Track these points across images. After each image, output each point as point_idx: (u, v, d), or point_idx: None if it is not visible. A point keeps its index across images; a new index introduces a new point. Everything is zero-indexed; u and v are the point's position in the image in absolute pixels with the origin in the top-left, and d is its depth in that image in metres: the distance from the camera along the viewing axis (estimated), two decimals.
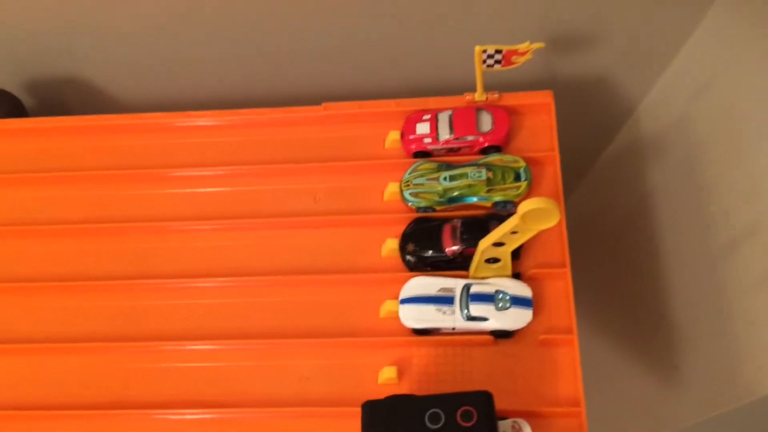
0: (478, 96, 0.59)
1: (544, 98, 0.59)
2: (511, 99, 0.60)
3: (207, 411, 0.52)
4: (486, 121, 0.58)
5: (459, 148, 0.59)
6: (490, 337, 0.52)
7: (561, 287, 0.53)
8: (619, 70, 0.72)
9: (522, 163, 0.56)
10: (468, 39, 0.58)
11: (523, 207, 0.43)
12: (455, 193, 0.56)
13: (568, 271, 0.53)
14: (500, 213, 0.56)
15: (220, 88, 0.75)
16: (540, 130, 0.59)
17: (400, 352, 0.53)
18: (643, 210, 0.77)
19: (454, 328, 0.52)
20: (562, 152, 0.65)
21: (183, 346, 0.54)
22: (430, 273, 0.54)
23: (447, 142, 0.58)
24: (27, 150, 0.64)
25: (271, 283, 0.56)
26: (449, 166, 0.58)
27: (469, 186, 0.56)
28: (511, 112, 0.60)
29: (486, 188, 0.55)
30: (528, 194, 0.56)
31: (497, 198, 0.55)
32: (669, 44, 0.68)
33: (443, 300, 0.52)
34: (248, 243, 0.58)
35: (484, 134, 0.58)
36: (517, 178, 0.56)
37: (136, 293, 0.57)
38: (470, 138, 0.58)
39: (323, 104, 0.62)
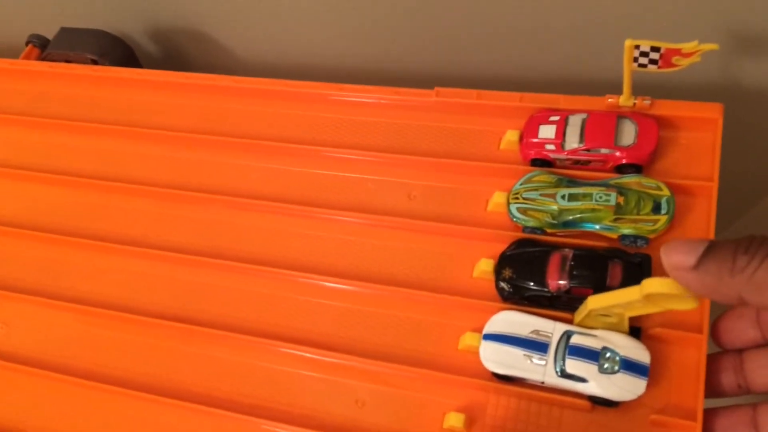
0: (624, 100, 0.48)
1: (711, 112, 0.46)
2: (667, 108, 0.48)
3: (250, 416, 0.47)
4: (628, 133, 0.47)
5: (588, 162, 0.48)
6: (587, 403, 0.42)
7: (692, 357, 0.41)
8: None
9: (666, 192, 0.45)
10: (626, 29, 0.47)
11: (648, 286, 0.34)
12: (573, 216, 0.45)
13: (704, 338, 0.41)
14: (626, 249, 0.45)
15: (333, 57, 0.68)
16: (698, 153, 0.47)
17: (474, 397, 0.44)
18: None
19: (543, 383, 0.42)
20: (725, 176, 0.52)
21: (235, 336, 0.49)
22: (526, 308, 0.45)
23: (574, 152, 0.48)
24: (130, 101, 0.62)
25: (339, 287, 0.49)
26: (571, 182, 0.47)
27: (593, 210, 0.45)
28: (664, 124, 0.48)
29: (613, 216, 0.45)
30: (667, 231, 0.45)
31: (626, 230, 0.44)
32: None
33: (535, 345, 0.43)
34: (325, 235, 0.52)
35: (622, 148, 0.47)
36: (657, 209, 0.44)
37: (205, 269, 0.53)
38: (604, 151, 0.47)
39: (435, 89, 0.53)
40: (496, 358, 0.43)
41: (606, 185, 0.46)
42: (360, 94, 0.56)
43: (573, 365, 0.41)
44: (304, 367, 0.48)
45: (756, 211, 0.73)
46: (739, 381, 0.40)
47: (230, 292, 0.52)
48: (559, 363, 0.42)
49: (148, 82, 0.62)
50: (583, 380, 0.41)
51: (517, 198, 0.47)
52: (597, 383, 0.41)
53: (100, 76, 0.63)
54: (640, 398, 0.40)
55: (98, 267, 0.55)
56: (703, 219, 0.45)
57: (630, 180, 0.46)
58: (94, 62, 0.64)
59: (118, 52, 0.66)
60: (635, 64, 0.44)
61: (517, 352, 0.43)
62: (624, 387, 0.40)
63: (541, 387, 0.43)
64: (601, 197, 0.45)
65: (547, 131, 0.49)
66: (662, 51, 0.42)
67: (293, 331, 0.49)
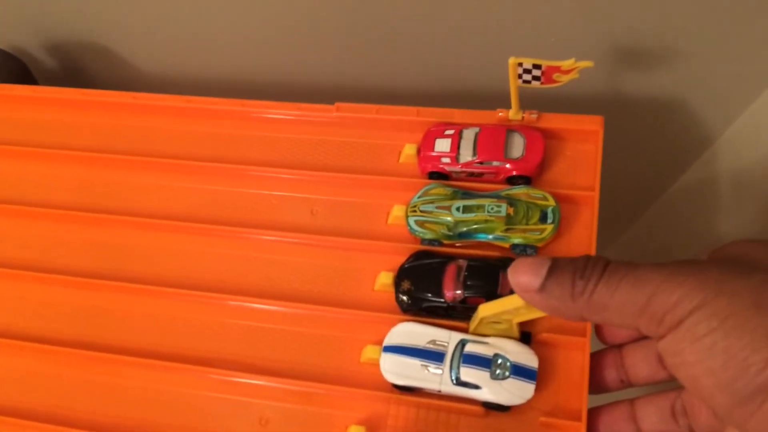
0: (513, 114, 0.50)
1: (592, 124, 0.49)
2: (553, 121, 0.50)
3: None
4: (517, 146, 0.49)
5: (482, 174, 0.50)
6: (481, 409, 0.43)
7: (577, 360, 0.44)
8: (698, 93, 0.61)
9: (551, 202, 0.47)
10: (517, 45, 0.49)
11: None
12: (467, 228, 0.47)
13: (587, 342, 0.43)
14: (517, 257, 0.47)
15: (239, 72, 0.68)
16: (582, 163, 0.49)
17: (376, 408, 0.45)
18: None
19: (440, 391, 0.43)
20: (620, 181, 0.54)
21: (137, 361, 0.48)
22: (425, 319, 0.46)
23: (468, 165, 0.49)
24: (23, 119, 0.60)
25: (243, 305, 0.49)
26: (466, 194, 0.49)
27: (486, 221, 0.47)
28: (550, 136, 0.50)
29: (505, 226, 0.46)
30: (554, 239, 0.47)
31: (516, 240, 0.46)
32: (763, 69, 0.56)
33: (432, 355, 0.44)
34: (227, 252, 0.52)
35: (512, 161, 0.49)
36: (543, 218, 0.46)
37: (104, 293, 0.52)
38: (495, 163, 0.49)
39: (336, 104, 0.54)
40: (396, 370, 0.44)
41: (498, 196, 0.48)
42: (262, 110, 0.56)
43: (467, 373, 0.43)
44: (209, 388, 0.48)
45: (646, 217, 0.77)
46: (621, 376, 0.42)
47: (131, 315, 0.51)
48: (455, 371, 0.43)
49: (44, 99, 0.60)
50: (476, 387, 0.42)
51: (414, 211, 0.48)
52: (489, 389, 0.42)
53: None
54: (530, 402, 0.42)
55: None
56: (587, 227, 0.47)
57: (519, 191, 0.48)
58: None
59: (10, 67, 0.63)
60: (520, 81, 0.46)
61: (415, 363, 0.44)
62: (514, 392, 0.42)
63: (439, 395, 0.44)
64: (492, 208, 0.47)
65: (442, 145, 0.50)
66: (543, 68, 0.44)
67: (197, 352, 0.49)
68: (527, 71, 0.45)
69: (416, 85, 0.64)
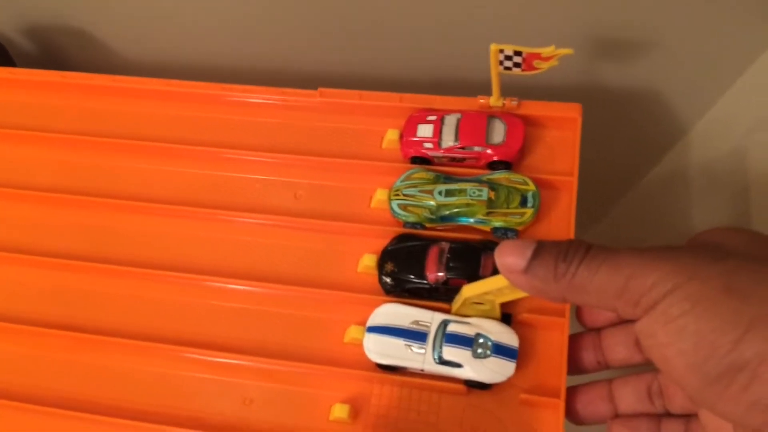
0: (494, 101, 0.51)
1: (571, 111, 0.50)
2: (533, 108, 0.51)
3: (136, 420, 0.46)
4: (498, 132, 0.50)
5: (464, 159, 0.51)
6: (463, 387, 0.44)
7: (556, 340, 0.45)
8: (673, 83, 0.63)
9: (531, 187, 0.48)
10: (499, 34, 0.50)
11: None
12: (449, 211, 0.48)
13: (566, 322, 0.45)
14: (498, 240, 0.48)
15: (223, 57, 0.68)
16: (561, 150, 0.51)
17: (359, 388, 0.46)
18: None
19: (423, 370, 0.44)
20: (597, 170, 0.56)
21: (125, 342, 0.49)
22: (406, 300, 0.47)
23: (450, 150, 0.50)
24: (5, 101, 0.59)
25: (229, 287, 0.50)
26: (448, 179, 0.50)
27: (467, 205, 0.48)
28: (533, 123, 0.51)
29: (486, 210, 0.47)
30: (534, 223, 0.48)
31: (497, 223, 0.47)
32: (736, 60, 0.58)
33: (415, 335, 0.45)
34: (214, 236, 0.52)
35: (493, 146, 0.50)
36: (524, 203, 0.48)
37: (87, 275, 0.52)
38: (477, 149, 0.50)
39: (319, 89, 0.54)
40: (379, 349, 0.45)
41: (479, 181, 0.49)
42: (246, 95, 0.56)
43: (449, 352, 0.44)
44: (193, 369, 0.48)
45: (621, 205, 0.79)
46: (598, 358, 0.44)
47: (115, 297, 0.51)
48: (437, 351, 0.44)
49: (23, 82, 0.59)
50: (458, 366, 0.43)
51: (397, 195, 0.49)
52: (471, 368, 0.43)
53: None
54: (510, 380, 0.43)
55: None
56: (565, 211, 0.48)
57: (500, 176, 0.49)
58: None
59: None
60: (501, 68, 0.47)
61: (399, 343, 0.45)
62: (495, 370, 0.43)
63: (421, 374, 0.45)
64: (474, 193, 0.48)
65: (425, 130, 0.51)
66: (524, 55, 0.45)
67: (181, 334, 0.49)
68: (508, 58, 0.46)
69: (400, 73, 0.64)
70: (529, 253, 0.34)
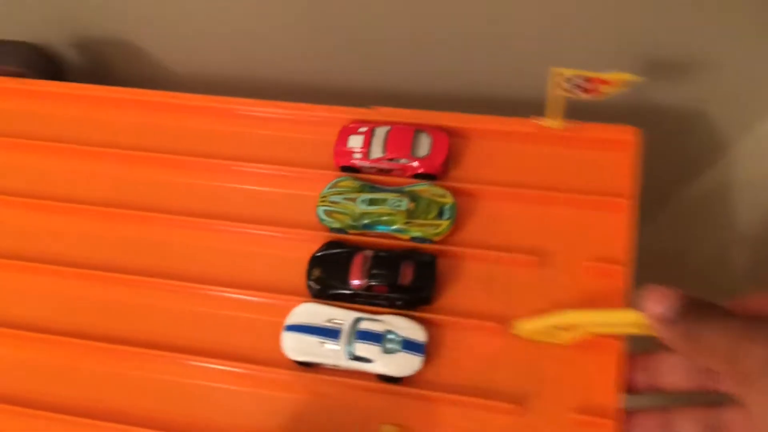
0: (552, 123, 0.52)
1: (626, 134, 0.52)
2: (589, 130, 0.52)
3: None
4: (423, 145, 0.53)
5: (391, 170, 0.54)
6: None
7: (610, 360, 0.45)
8: (719, 102, 0.62)
9: (449, 200, 0.51)
10: (544, 58, 0.49)
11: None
12: (370, 219, 0.51)
13: (621, 344, 0.45)
14: (420, 249, 0.51)
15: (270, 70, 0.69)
16: (614, 171, 0.52)
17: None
18: (722, 262, 0.69)
19: (337, 366, 0.48)
20: None
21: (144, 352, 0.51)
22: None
23: (377, 161, 0.54)
24: (61, 115, 0.61)
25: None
26: (373, 188, 0.53)
27: (388, 214, 0.51)
28: (589, 147, 0.53)
29: (405, 220, 0.51)
30: (449, 235, 0.51)
31: (415, 233, 0.51)
32: None
33: (329, 333, 0.48)
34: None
35: (419, 159, 0.53)
36: (440, 214, 0.51)
37: (122, 287, 0.54)
38: (403, 161, 0.53)
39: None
40: (295, 347, 0.48)
41: (401, 192, 0.52)
42: (310, 113, 0.58)
43: (361, 348, 0.47)
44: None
45: (663, 216, 0.78)
46: (649, 381, 0.44)
47: (138, 308, 0.53)
48: (350, 347, 0.47)
49: (74, 96, 0.61)
50: (369, 361, 0.47)
51: (324, 201, 0.53)
52: (381, 363, 0.47)
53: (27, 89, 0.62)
54: (563, 401, 0.45)
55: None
56: (623, 233, 0.50)
57: (422, 188, 0.52)
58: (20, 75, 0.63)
59: (43, 64, 0.65)
60: (563, 91, 0.47)
61: (314, 340, 0.48)
62: (403, 364, 0.46)
63: (337, 370, 0.48)
64: (394, 203, 0.51)
65: (355, 141, 0.54)
66: (588, 79, 0.45)
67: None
68: (569, 81, 0.46)
69: (433, 88, 0.66)
70: (677, 304, 0.35)
